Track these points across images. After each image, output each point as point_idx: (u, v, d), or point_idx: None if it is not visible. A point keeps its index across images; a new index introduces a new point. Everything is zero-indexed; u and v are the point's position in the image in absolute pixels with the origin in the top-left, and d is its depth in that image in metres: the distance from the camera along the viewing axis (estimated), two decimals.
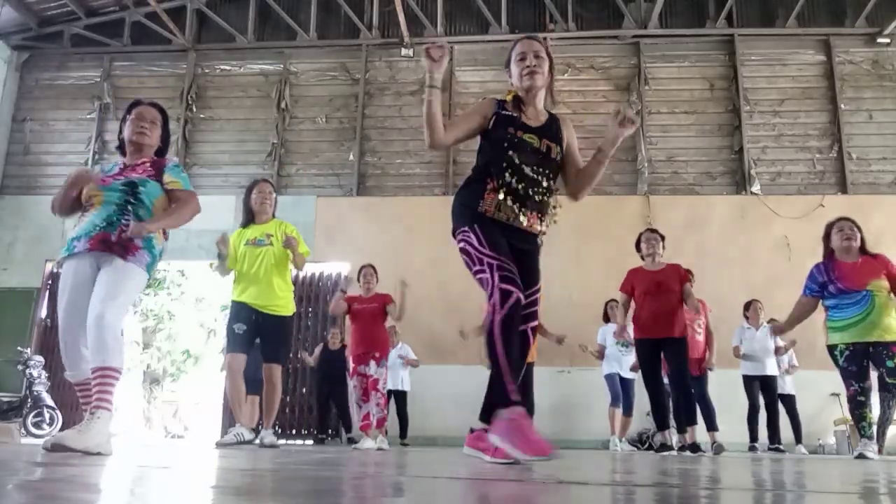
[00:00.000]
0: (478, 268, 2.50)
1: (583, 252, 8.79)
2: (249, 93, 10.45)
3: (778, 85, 9.88)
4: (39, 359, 8.19)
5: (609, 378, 7.17)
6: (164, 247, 3.18)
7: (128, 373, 14.49)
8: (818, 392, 7.95)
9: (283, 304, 4.92)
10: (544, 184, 2.70)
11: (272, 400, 4.92)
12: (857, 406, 4.47)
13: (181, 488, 1.37)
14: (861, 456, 4.41)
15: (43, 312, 9.49)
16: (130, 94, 10.42)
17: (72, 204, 3.08)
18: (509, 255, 2.52)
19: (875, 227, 8.86)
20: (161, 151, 3.29)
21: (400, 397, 7.97)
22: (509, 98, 2.80)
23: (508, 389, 2.31)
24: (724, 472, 2.40)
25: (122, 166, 3.14)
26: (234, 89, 10.50)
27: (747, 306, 7.09)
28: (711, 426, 6.12)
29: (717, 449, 5.84)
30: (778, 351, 6.92)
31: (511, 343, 2.38)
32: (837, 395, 7.86)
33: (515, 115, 2.73)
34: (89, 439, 2.61)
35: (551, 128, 2.80)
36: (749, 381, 6.81)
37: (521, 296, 2.42)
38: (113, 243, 2.93)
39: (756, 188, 9.41)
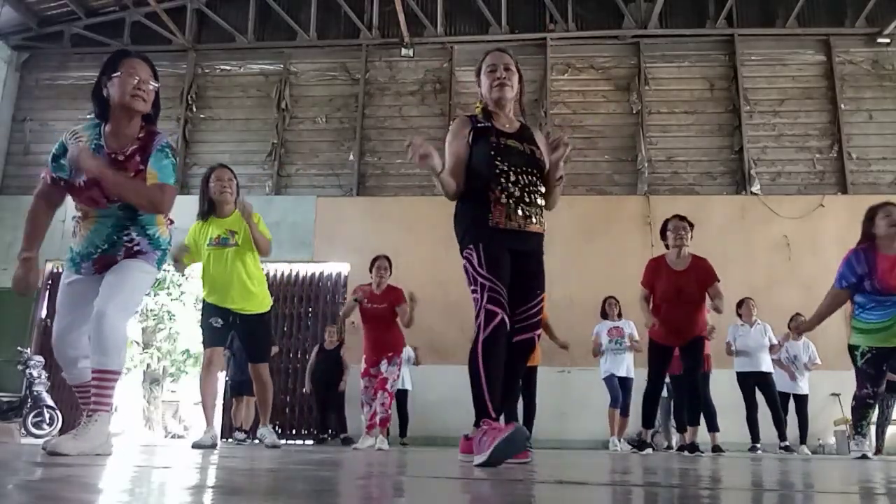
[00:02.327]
0: (472, 287, 2.65)
1: (583, 252, 8.79)
2: (249, 93, 10.45)
3: (778, 85, 9.88)
4: (39, 359, 8.19)
5: (608, 380, 7.17)
6: (171, 236, 2.98)
7: (128, 373, 14.50)
8: (818, 392, 7.94)
9: (259, 300, 4.64)
10: (536, 183, 2.76)
11: (265, 397, 4.79)
12: (864, 407, 4.35)
13: (181, 488, 1.37)
14: (864, 457, 4.36)
15: (43, 312, 9.49)
16: None
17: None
18: (505, 277, 2.62)
19: None
20: (149, 118, 2.82)
21: (401, 396, 7.97)
22: (478, 111, 2.86)
23: (489, 408, 2.47)
24: (724, 473, 2.40)
25: (110, 153, 2.67)
26: (234, 89, 10.50)
27: (740, 304, 7.11)
28: (712, 427, 6.13)
29: (716, 450, 5.86)
30: (773, 349, 6.93)
31: (492, 363, 2.51)
32: (838, 395, 7.86)
33: (489, 124, 2.79)
34: (86, 443, 2.57)
35: (525, 133, 2.86)
36: (743, 377, 6.81)
37: (506, 317, 2.56)
38: (120, 261, 2.79)
39: (756, 188, 9.40)
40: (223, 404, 8.47)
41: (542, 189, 2.80)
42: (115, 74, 2.68)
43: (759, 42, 10.00)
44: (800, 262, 8.70)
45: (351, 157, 9.95)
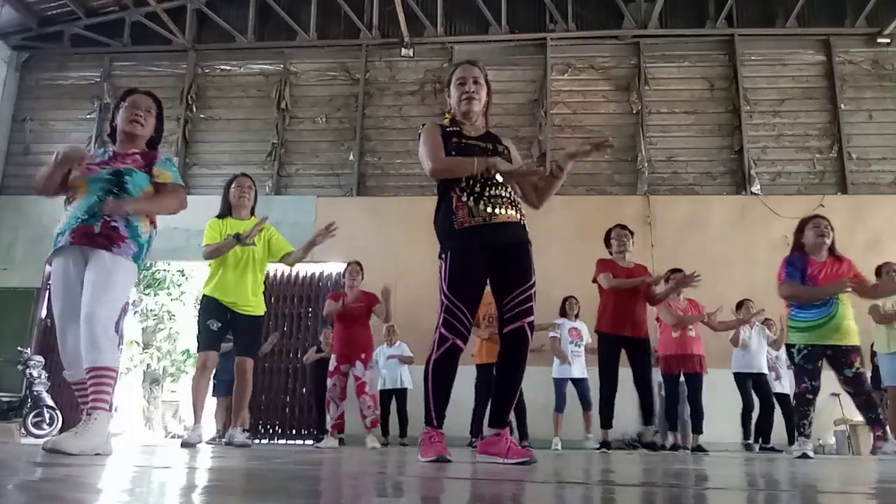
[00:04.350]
0: (439, 296, 2.80)
1: (583, 252, 8.72)
2: (249, 93, 10.45)
3: (778, 85, 9.87)
4: (39, 359, 8.19)
5: (558, 382, 7.19)
6: (153, 234, 3.10)
7: (128, 373, 14.50)
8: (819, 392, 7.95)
9: (257, 303, 4.83)
10: (499, 178, 2.80)
11: (243, 395, 4.80)
12: (805, 403, 4.53)
13: (181, 488, 1.37)
14: (804, 455, 4.47)
15: (43, 312, 9.49)
16: None
17: (58, 184, 2.97)
18: (467, 294, 2.75)
19: (875, 227, 8.87)
20: (153, 142, 3.21)
21: (401, 396, 7.98)
22: (447, 122, 2.99)
23: (432, 416, 2.78)
24: (724, 473, 2.40)
25: (112, 154, 3.07)
26: (234, 89, 10.49)
27: (739, 305, 7.13)
28: (697, 429, 6.22)
29: (698, 450, 5.97)
30: (775, 343, 6.98)
31: (439, 383, 2.79)
32: (837, 395, 7.84)
33: (456, 129, 2.92)
34: (86, 442, 2.59)
35: (490, 137, 2.97)
36: (742, 378, 6.83)
37: (459, 341, 2.77)
38: (96, 235, 2.86)
39: (756, 188, 9.40)
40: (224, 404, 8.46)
41: (510, 190, 2.85)
42: (122, 105, 3.16)
43: (759, 42, 10.00)
44: None
45: (351, 157, 9.95)
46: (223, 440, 4.96)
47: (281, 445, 7.78)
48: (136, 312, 14.93)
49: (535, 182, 2.95)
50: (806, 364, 4.51)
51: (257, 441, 8.69)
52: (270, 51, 10.54)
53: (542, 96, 9.87)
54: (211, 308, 4.71)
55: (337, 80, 10.39)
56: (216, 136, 10.32)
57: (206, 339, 4.70)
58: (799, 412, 4.58)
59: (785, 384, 7.24)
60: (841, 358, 4.46)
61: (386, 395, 7.99)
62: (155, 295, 15.22)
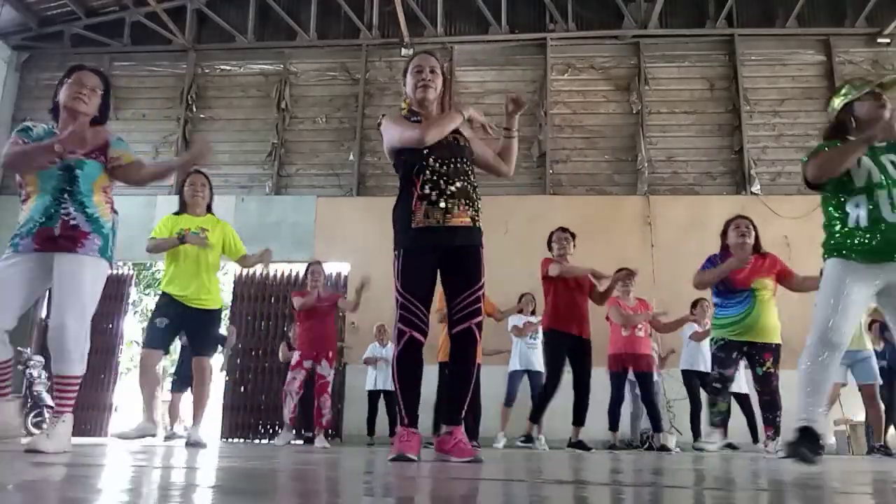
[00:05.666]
0: (394, 294, 2.85)
1: (582, 252, 8.72)
2: (249, 93, 10.45)
3: (778, 85, 9.88)
4: (39, 359, 8.19)
5: (513, 376, 7.16)
6: (117, 221, 3.00)
7: (127, 373, 14.49)
8: None
9: (213, 297, 4.79)
10: (463, 169, 2.91)
11: (202, 394, 4.79)
12: (712, 392, 4.62)
13: (181, 488, 1.38)
14: (700, 448, 4.58)
15: (43, 312, 9.49)
16: (130, 94, 10.42)
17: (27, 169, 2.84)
18: (421, 290, 2.82)
19: None
20: (98, 121, 3.06)
21: (389, 396, 7.99)
22: (405, 112, 3.11)
23: (403, 415, 2.81)
24: (720, 473, 2.40)
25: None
26: (234, 89, 10.49)
27: (694, 304, 7.08)
28: (657, 428, 6.26)
29: (662, 448, 6.03)
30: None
31: (406, 378, 2.82)
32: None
33: (417, 120, 2.99)
34: (56, 442, 2.67)
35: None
36: (689, 376, 6.82)
37: (417, 334, 2.79)
38: (57, 238, 2.79)
39: (756, 188, 9.40)
40: (221, 403, 8.43)
41: (472, 177, 2.94)
42: (66, 81, 3.04)
43: (759, 42, 10.00)
44: (800, 262, 8.54)
45: (351, 157, 9.95)
46: (185, 439, 4.93)
47: (205, 445, 7.76)
48: (135, 312, 14.92)
49: (494, 149, 3.10)
50: (719, 353, 4.62)
51: (257, 441, 8.69)
52: (270, 51, 10.54)
53: (542, 96, 9.87)
54: (163, 304, 4.69)
55: (337, 80, 10.39)
56: (216, 136, 10.30)
57: (152, 338, 4.68)
58: (710, 400, 4.67)
59: (742, 384, 7.18)
60: (755, 355, 4.58)
61: (375, 395, 8.01)
62: (155, 295, 15.20)
